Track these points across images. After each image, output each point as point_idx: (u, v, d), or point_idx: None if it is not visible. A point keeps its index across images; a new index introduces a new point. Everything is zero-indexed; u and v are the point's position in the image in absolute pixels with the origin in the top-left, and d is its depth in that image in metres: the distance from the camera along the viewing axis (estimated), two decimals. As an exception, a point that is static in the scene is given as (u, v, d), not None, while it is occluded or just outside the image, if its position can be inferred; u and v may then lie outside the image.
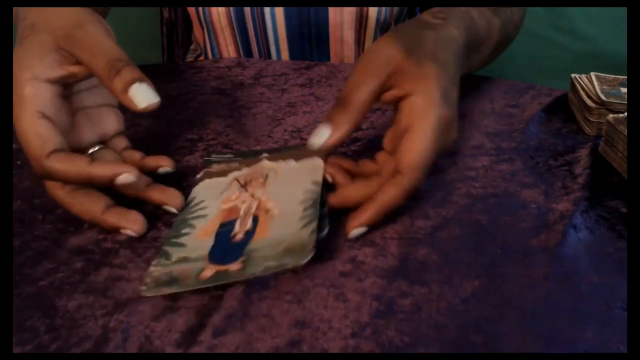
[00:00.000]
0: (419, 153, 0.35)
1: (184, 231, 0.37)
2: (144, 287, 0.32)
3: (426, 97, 0.36)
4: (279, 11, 0.68)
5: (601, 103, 0.49)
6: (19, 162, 0.45)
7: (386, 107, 0.55)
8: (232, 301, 0.32)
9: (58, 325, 0.31)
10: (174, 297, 0.32)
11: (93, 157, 0.38)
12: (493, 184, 0.43)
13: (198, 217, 0.38)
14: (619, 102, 0.48)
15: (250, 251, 0.34)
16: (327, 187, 0.40)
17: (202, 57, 0.80)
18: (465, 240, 0.37)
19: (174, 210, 0.39)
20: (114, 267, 0.35)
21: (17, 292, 0.33)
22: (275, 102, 0.56)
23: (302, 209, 0.37)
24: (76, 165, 0.35)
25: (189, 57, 0.86)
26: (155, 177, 0.40)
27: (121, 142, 0.42)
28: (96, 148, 0.40)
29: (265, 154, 0.45)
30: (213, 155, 0.46)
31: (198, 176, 0.43)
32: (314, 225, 0.35)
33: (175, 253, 0.35)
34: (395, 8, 0.72)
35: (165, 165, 0.41)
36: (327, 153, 0.42)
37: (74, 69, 0.36)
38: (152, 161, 0.41)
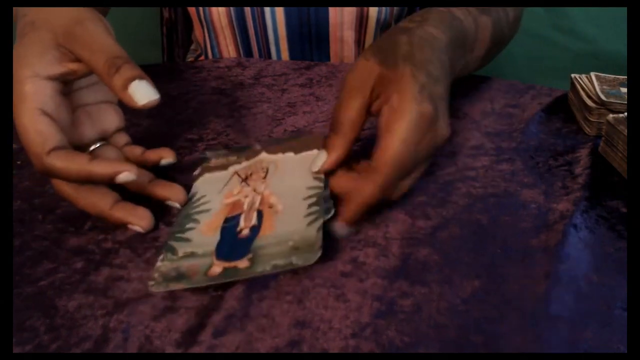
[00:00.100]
0: (392, 150, 0.36)
1: (188, 226, 0.37)
2: (152, 283, 0.32)
3: (402, 95, 0.37)
4: (279, 11, 0.68)
5: (601, 103, 0.49)
6: (19, 162, 0.45)
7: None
8: (232, 301, 0.32)
9: (58, 325, 0.31)
10: (174, 297, 0.32)
11: (94, 154, 0.38)
12: (493, 184, 0.43)
13: (201, 212, 0.39)
14: (619, 102, 0.48)
15: (257, 248, 0.34)
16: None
17: (202, 57, 0.80)
18: (466, 240, 0.37)
19: (177, 205, 0.39)
20: (113, 267, 0.35)
21: (17, 292, 0.33)
22: (275, 102, 0.56)
23: (306, 205, 0.37)
24: (76, 163, 0.35)
25: (189, 57, 0.86)
26: (158, 173, 0.41)
27: (122, 139, 0.42)
28: (97, 145, 0.40)
29: (258, 146, 0.45)
30: (208, 152, 0.46)
31: (196, 172, 0.43)
32: (320, 222, 0.35)
33: (181, 248, 0.35)
34: (395, 8, 0.72)
35: (166, 156, 0.42)
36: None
37: (73, 66, 0.36)
38: (153, 154, 0.42)
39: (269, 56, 0.73)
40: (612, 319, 0.31)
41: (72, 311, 0.31)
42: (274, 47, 0.72)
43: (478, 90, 0.59)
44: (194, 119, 0.53)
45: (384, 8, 0.70)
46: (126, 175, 0.35)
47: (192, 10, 0.72)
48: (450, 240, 0.37)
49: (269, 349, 0.29)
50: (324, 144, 0.40)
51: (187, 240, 0.36)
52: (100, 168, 0.35)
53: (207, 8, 0.70)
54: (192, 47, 0.87)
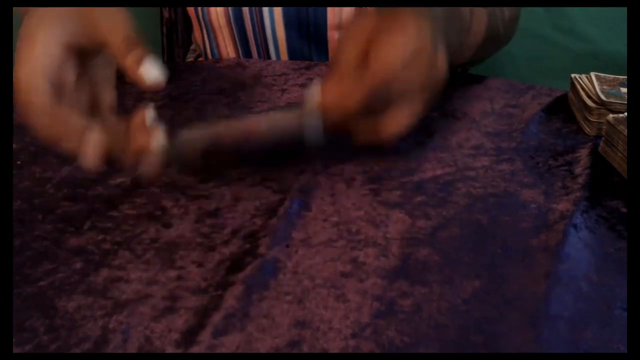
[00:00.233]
0: (385, 57, 0.36)
1: None
2: None
3: (399, 24, 0.37)
4: (277, 11, 0.68)
5: (601, 103, 0.49)
6: (19, 162, 0.45)
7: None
8: (232, 301, 0.32)
9: (58, 325, 0.31)
10: (174, 298, 0.32)
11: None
12: (493, 184, 0.43)
13: None
14: (619, 102, 0.48)
15: None
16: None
17: (202, 58, 0.80)
18: (466, 240, 0.37)
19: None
20: (112, 268, 0.35)
21: (17, 292, 0.33)
22: (275, 102, 0.56)
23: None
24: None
25: (189, 57, 0.86)
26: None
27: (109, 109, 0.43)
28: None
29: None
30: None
31: None
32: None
33: None
34: (394, 8, 0.72)
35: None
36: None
37: (84, 39, 0.37)
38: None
39: (268, 56, 0.73)
40: (612, 319, 0.31)
41: (71, 312, 0.31)
42: (273, 47, 0.72)
43: (478, 90, 0.59)
44: (194, 119, 0.53)
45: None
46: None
47: (190, 10, 0.72)
48: (450, 240, 0.37)
49: (269, 349, 0.29)
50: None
51: None
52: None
53: (205, 8, 0.70)
54: (192, 47, 0.87)
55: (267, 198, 0.41)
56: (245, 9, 0.69)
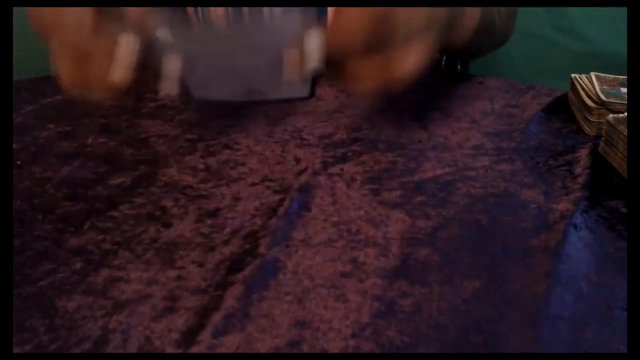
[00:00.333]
0: None
1: None
2: None
3: None
4: (279, 11, 0.68)
5: (601, 103, 0.49)
6: (19, 162, 0.45)
7: (386, 107, 0.55)
8: (232, 301, 0.32)
9: (58, 325, 0.31)
10: (173, 298, 0.32)
11: None
12: (493, 184, 0.43)
13: None
14: (619, 102, 0.48)
15: None
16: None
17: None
18: (466, 240, 0.37)
19: None
20: (112, 268, 0.35)
21: (17, 292, 0.33)
22: (275, 102, 0.56)
23: None
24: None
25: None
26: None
27: None
28: None
29: None
30: None
31: None
32: None
33: None
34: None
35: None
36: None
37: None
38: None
39: (269, 56, 0.73)
40: (612, 319, 0.31)
41: (71, 312, 0.31)
42: (274, 47, 0.72)
43: (478, 90, 0.59)
44: (194, 119, 0.53)
45: None
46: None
47: (190, 10, 0.72)
48: (450, 240, 0.37)
49: (269, 349, 0.29)
50: None
51: None
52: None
53: (205, 9, 0.70)
54: (192, 47, 0.87)
55: (267, 198, 0.41)
56: (246, 9, 0.69)
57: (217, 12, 0.40)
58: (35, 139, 0.49)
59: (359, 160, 0.46)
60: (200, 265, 0.35)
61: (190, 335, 0.30)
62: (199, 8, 0.42)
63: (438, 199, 0.41)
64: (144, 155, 0.47)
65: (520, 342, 0.30)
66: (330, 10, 0.38)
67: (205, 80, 0.40)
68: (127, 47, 0.37)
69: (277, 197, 0.41)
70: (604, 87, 0.51)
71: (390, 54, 0.39)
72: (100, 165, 0.45)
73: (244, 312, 0.31)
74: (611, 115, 0.46)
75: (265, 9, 0.38)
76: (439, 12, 0.39)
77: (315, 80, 0.39)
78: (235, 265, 0.35)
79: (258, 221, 0.39)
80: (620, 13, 0.93)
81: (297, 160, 0.46)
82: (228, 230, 0.38)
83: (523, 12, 0.68)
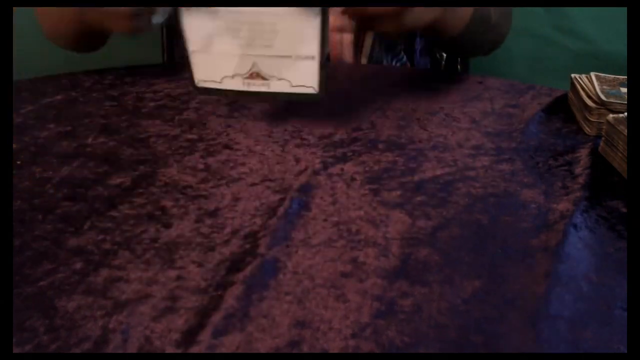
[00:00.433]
0: None
1: None
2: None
3: None
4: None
5: (601, 103, 0.49)
6: (19, 162, 0.45)
7: (386, 107, 0.55)
8: (232, 301, 0.32)
9: (57, 325, 0.31)
10: (173, 298, 0.32)
11: None
12: (493, 184, 0.43)
13: None
14: (619, 102, 0.48)
15: None
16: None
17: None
18: (466, 240, 0.37)
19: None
20: (112, 268, 0.35)
21: (17, 292, 0.33)
22: (275, 102, 0.56)
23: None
24: None
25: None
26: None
27: None
28: None
29: None
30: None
31: None
32: None
33: None
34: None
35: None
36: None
37: None
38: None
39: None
40: (612, 319, 0.31)
41: (71, 312, 0.31)
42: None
43: (478, 90, 0.59)
44: (194, 119, 0.53)
45: None
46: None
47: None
48: (450, 240, 0.37)
49: (269, 349, 0.29)
50: None
51: None
52: None
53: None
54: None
55: (267, 198, 0.41)
56: None
57: None
58: (35, 139, 0.49)
59: (359, 160, 0.46)
60: (200, 265, 0.35)
61: (190, 335, 0.30)
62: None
63: (438, 199, 0.41)
64: (144, 155, 0.47)
65: (520, 342, 0.30)
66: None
67: (211, 62, 0.40)
68: None
69: (277, 197, 0.41)
70: (604, 87, 0.51)
71: None
72: (100, 165, 0.45)
73: (244, 312, 0.31)
74: (611, 115, 0.46)
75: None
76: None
77: (325, 74, 0.40)
78: (235, 265, 0.35)
79: (258, 221, 0.39)
80: (620, 13, 0.93)
81: (297, 160, 0.46)
82: (228, 230, 0.38)
83: (523, 12, 0.68)
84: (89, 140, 0.49)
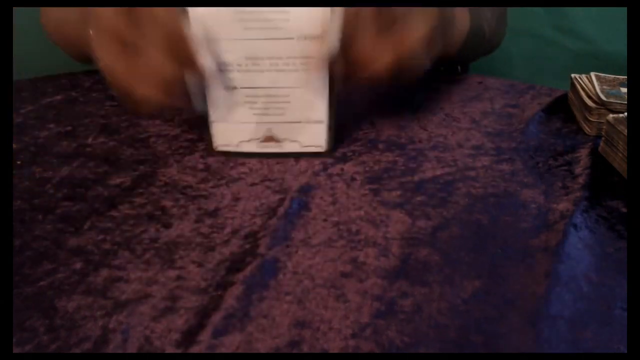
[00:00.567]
0: None
1: None
2: None
3: None
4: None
5: (601, 103, 0.49)
6: (19, 162, 0.45)
7: (386, 107, 0.55)
8: (232, 301, 0.32)
9: (57, 325, 0.31)
10: (173, 298, 0.32)
11: None
12: (493, 184, 0.43)
13: None
14: (619, 102, 0.48)
15: None
16: None
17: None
18: (466, 240, 0.37)
19: None
20: (112, 268, 0.35)
21: (17, 292, 0.33)
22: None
23: None
24: None
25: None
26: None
27: None
28: None
29: None
30: None
31: None
32: None
33: None
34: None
35: None
36: None
37: None
38: None
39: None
40: (612, 319, 0.31)
41: (71, 312, 0.31)
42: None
43: (478, 90, 0.59)
44: (194, 119, 0.53)
45: None
46: None
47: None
48: (450, 240, 0.37)
49: (269, 349, 0.29)
50: None
51: None
52: None
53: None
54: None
55: (267, 198, 0.41)
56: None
57: None
58: (35, 139, 0.49)
59: (359, 160, 0.46)
60: (200, 265, 0.35)
61: (190, 335, 0.30)
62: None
63: (438, 199, 0.41)
64: (144, 155, 0.47)
65: (520, 342, 0.30)
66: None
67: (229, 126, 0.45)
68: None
69: (277, 197, 0.41)
70: (604, 87, 0.51)
71: (397, 30, 0.41)
72: (100, 165, 0.45)
73: (244, 312, 0.31)
74: (611, 115, 0.46)
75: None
76: None
77: (332, 131, 0.45)
78: (235, 265, 0.35)
79: (258, 221, 0.39)
80: (620, 13, 0.93)
81: (297, 160, 0.46)
82: (228, 230, 0.38)
83: (523, 12, 0.68)
84: (89, 140, 0.49)
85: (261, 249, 0.36)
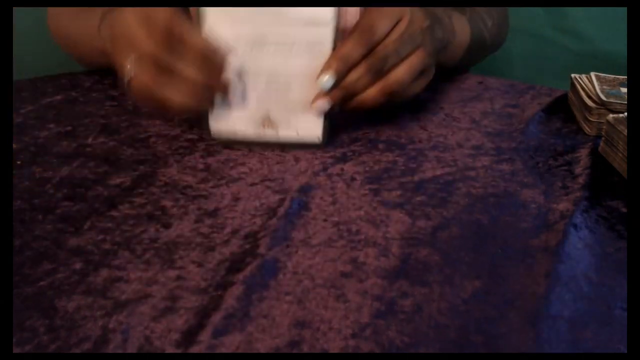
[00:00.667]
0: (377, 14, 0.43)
1: None
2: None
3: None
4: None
5: (601, 103, 0.49)
6: (19, 162, 0.45)
7: (386, 107, 0.55)
8: (232, 301, 0.32)
9: (57, 325, 0.31)
10: (173, 298, 0.32)
11: None
12: (493, 184, 0.43)
13: None
14: (619, 102, 0.48)
15: None
16: None
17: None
18: (466, 240, 0.37)
19: None
20: (112, 268, 0.35)
21: (17, 292, 0.33)
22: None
23: None
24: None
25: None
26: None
27: None
28: None
29: None
30: None
31: None
32: None
33: None
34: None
35: None
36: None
37: None
38: None
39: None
40: (612, 319, 0.31)
41: (71, 312, 0.31)
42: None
43: (478, 90, 0.59)
44: (195, 117, 0.53)
45: None
46: None
47: (193, 10, 0.72)
48: (450, 240, 0.37)
49: (269, 349, 0.29)
50: None
51: None
52: None
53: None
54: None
55: (267, 198, 0.41)
56: None
57: None
58: (35, 139, 0.49)
59: (359, 160, 0.46)
60: (200, 265, 0.35)
61: (190, 335, 0.30)
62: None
63: (438, 199, 0.41)
64: (144, 155, 0.47)
65: (520, 342, 0.30)
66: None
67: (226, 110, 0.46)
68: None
69: (277, 197, 0.41)
70: (604, 87, 0.51)
71: (387, 70, 0.44)
72: (100, 165, 0.45)
73: (244, 312, 0.31)
74: (611, 115, 0.46)
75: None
76: (425, 25, 0.44)
77: (327, 123, 0.46)
78: (235, 265, 0.35)
79: (258, 221, 0.39)
80: (620, 13, 0.93)
81: (297, 160, 0.46)
82: (228, 230, 0.38)
83: (523, 12, 0.68)
84: (89, 140, 0.49)
85: (261, 249, 0.36)
